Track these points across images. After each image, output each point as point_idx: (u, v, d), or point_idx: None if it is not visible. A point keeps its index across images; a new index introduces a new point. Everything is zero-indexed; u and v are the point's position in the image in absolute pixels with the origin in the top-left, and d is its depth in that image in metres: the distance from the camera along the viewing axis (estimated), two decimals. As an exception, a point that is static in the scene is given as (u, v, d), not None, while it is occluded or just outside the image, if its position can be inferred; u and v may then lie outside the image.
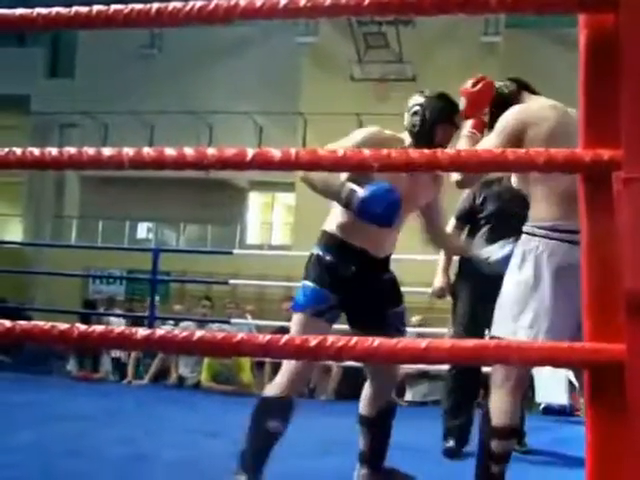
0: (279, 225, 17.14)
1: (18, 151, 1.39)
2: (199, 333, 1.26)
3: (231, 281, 6.98)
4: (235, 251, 8.17)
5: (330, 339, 1.23)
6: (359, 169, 1.24)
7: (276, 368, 6.61)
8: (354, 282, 2.69)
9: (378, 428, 2.83)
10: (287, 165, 1.29)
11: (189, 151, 1.33)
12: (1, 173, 16.99)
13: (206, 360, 7.07)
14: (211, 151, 1.31)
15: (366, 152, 1.24)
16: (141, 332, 1.29)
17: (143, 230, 17.36)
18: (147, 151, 1.35)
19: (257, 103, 14.66)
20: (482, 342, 1.18)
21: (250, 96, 14.92)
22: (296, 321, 2.67)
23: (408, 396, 6.85)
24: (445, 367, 6.45)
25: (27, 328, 1.31)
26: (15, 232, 17.96)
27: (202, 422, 4.61)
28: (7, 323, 1.32)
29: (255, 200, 17.11)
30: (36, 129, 16.02)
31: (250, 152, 1.28)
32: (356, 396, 2.94)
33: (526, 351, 1.15)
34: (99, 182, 16.51)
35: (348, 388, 6.40)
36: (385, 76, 14.37)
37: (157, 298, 7.81)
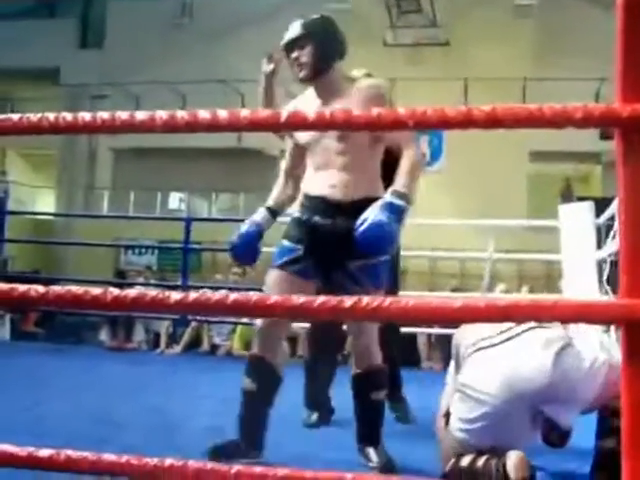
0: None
1: (51, 116, 1.40)
2: (233, 295, 1.28)
3: (264, 249, 6.99)
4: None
5: (365, 299, 1.24)
6: (394, 128, 1.24)
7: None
8: (318, 231, 2.72)
9: (355, 395, 2.81)
10: (321, 125, 1.29)
11: (222, 113, 1.34)
12: (33, 145, 17.25)
13: (239, 328, 7.15)
14: (244, 113, 1.32)
15: (401, 111, 1.23)
16: (174, 295, 1.31)
17: (175, 200, 17.49)
18: (181, 115, 1.36)
19: (288, 70, 14.60)
20: (515, 300, 1.18)
21: (283, 64, 14.82)
22: (267, 276, 2.82)
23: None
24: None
25: (60, 293, 1.34)
26: (48, 204, 18.21)
27: (232, 390, 4.67)
28: (40, 289, 1.35)
29: (285, 168, 17.13)
30: (66, 101, 16.13)
31: (284, 113, 1.29)
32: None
33: (559, 308, 1.15)
34: (131, 153, 16.65)
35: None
36: (418, 41, 14.20)
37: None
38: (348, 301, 1.24)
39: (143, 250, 15.42)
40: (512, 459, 2.08)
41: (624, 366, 1.17)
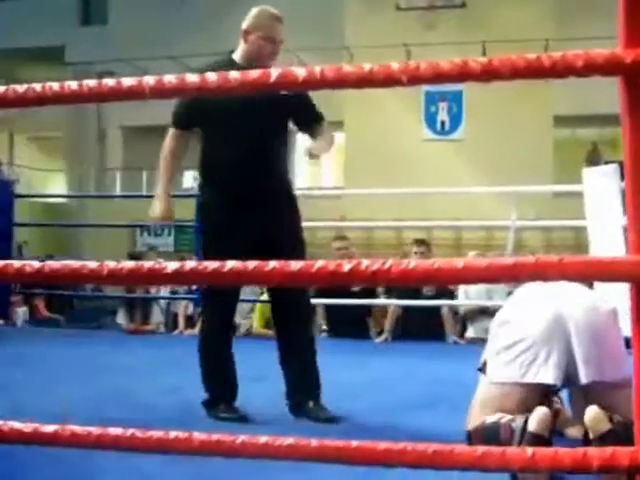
0: (329, 166, 17.10)
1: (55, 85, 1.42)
2: (231, 263, 1.29)
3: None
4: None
5: (364, 263, 1.24)
6: (387, 84, 1.23)
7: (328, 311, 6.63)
8: None
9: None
10: (312, 84, 1.29)
11: (212, 76, 1.34)
12: (41, 128, 17.36)
13: (258, 306, 7.19)
14: (234, 74, 1.31)
15: (395, 66, 1.23)
16: (171, 266, 1.32)
17: (189, 179, 17.52)
18: (169, 79, 1.36)
19: (300, 39, 14.48)
20: (520, 259, 1.18)
21: (292, 32, 14.70)
22: None
23: (470, 333, 6.85)
24: (502, 303, 6.47)
25: (76, 268, 1.35)
26: (58, 188, 18.33)
27: (250, 368, 4.70)
28: (56, 264, 1.36)
29: (302, 141, 17.06)
30: (73, 79, 16.16)
31: (274, 73, 1.28)
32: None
33: (567, 265, 1.14)
34: (140, 131, 16.68)
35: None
36: (432, 3, 14.05)
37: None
38: (347, 266, 1.25)
39: (159, 231, 15.50)
40: (536, 412, 2.09)
41: (634, 323, 1.16)
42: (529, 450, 1.14)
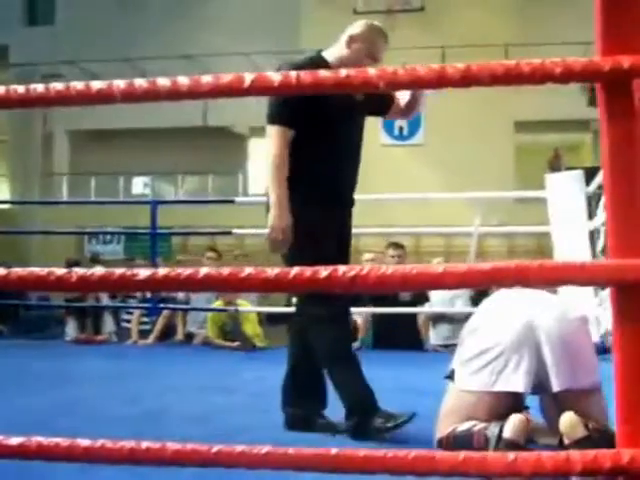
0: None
1: (1, 89, 1.40)
2: (204, 270, 1.29)
3: (235, 230, 7.00)
4: (238, 199, 8.17)
5: (342, 269, 1.26)
6: (364, 89, 1.25)
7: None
8: None
9: None
10: (288, 89, 1.30)
11: (183, 80, 1.34)
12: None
13: (209, 314, 7.17)
14: (207, 78, 1.33)
15: (371, 71, 1.25)
16: (143, 272, 1.32)
17: (139, 185, 17.38)
18: (139, 83, 1.37)
19: (255, 43, 14.51)
20: (500, 264, 1.20)
21: (247, 36, 14.76)
22: None
23: (432, 339, 6.94)
24: (467, 309, 6.58)
25: (23, 275, 1.34)
26: (2, 193, 17.96)
27: (210, 378, 4.69)
28: (2, 270, 1.35)
29: (256, 147, 17.05)
30: (17, 81, 15.90)
31: (248, 77, 1.29)
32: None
33: (547, 270, 1.17)
34: (88, 136, 16.48)
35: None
36: (391, 7, 14.16)
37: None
38: (324, 272, 1.26)
39: (108, 238, 15.32)
40: (511, 419, 2.12)
41: (615, 328, 1.20)
42: (511, 454, 1.16)
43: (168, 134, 15.53)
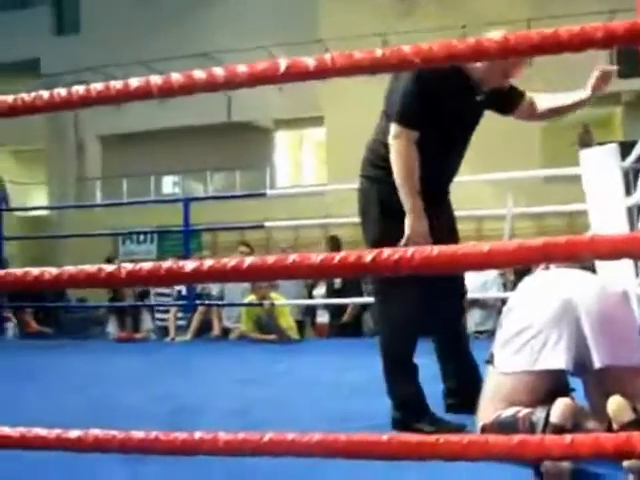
0: (311, 164, 17.06)
1: (26, 97, 1.41)
2: (249, 259, 1.28)
3: (267, 223, 6.99)
4: (268, 192, 8.16)
5: (386, 252, 1.23)
6: (400, 67, 1.22)
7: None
8: None
9: None
10: (323, 73, 1.27)
11: (218, 71, 1.33)
12: (22, 141, 17.28)
13: (243, 309, 7.17)
14: (242, 68, 1.31)
15: (406, 49, 1.22)
16: (190, 264, 1.31)
17: (169, 184, 17.50)
18: (175, 77, 1.35)
19: (272, 35, 14.46)
20: (552, 239, 1.17)
21: (264, 29, 14.72)
22: None
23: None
24: (497, 295, 6.46)
25: (56, 274, 1.34)
26: (39, 200, 18.20)
27: (246, 372, 4.69)
28: (35, 271, 1.35)
29: (282, 140, 17.04)
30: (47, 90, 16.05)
31: (283, 64, 1.27)
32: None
33: (598, 243, 1.14)
34: (119, 139, 16.61)
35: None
36: (409, -7, 14.06)
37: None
38: (369, 255, 1.24)
39: (142, 238, 15.43)
40: (558, 404, 2.06)
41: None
42: (568, 437, 1.12)
43: (194, 132, 15.57)
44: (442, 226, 2.93)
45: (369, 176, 2.97)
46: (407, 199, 2.73)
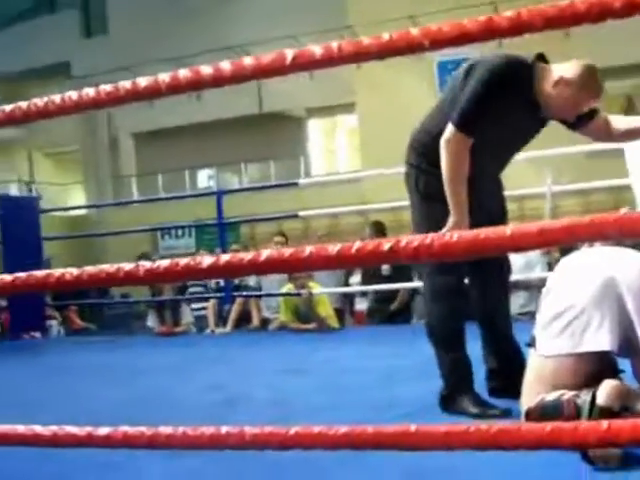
0: (344, 150, 17.00)
1: (57, 99, 1.42)
2: (266, 252, 1.27)
3: (302, 213, 6.98)
4: (301, 181, 8.14)
5: (405, 239, 1.21)
6: (408, 51, 1.19)
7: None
8: None
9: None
10: (330, 61, 1.25)
11: (226, 65, 1.32)
12: (56, 143, 17.55)
13: (281, 299, 7.17)
14: (248, 61, 1.30)
15: (414, 31, 1.19)
16: (207, 260, 1.30)
17: (204, 178, 17.59)
18: (183, 73, 1.35)
19: (299, 24, 14.38)
20: (574, 219, 1.13)
21: (290, 17, 14.65)
22: None
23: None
24: (542, 274, 6.30)
25: (94, 273, 1.35)
26: (77, 200, 18.48)
27: (288, 362, 4.70)
28: (74, 271, 1.36)
29: (315, 128, 17.00)
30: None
31: (289, 54, 1.25)
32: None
33: (626, 221, 1.09)
34: (151, 136, 16.73)
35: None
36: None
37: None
38: (387, 244, 1.21)
39: (180, 233, 15.55)
40: (604, 385, 1.99)
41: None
42: (604, 422, 1.08)
43: (226, 125, 15.61)
44: (484, 212, 2.85)
45: (411, 163, 2.98)
46: (452, 197, 2.72)
